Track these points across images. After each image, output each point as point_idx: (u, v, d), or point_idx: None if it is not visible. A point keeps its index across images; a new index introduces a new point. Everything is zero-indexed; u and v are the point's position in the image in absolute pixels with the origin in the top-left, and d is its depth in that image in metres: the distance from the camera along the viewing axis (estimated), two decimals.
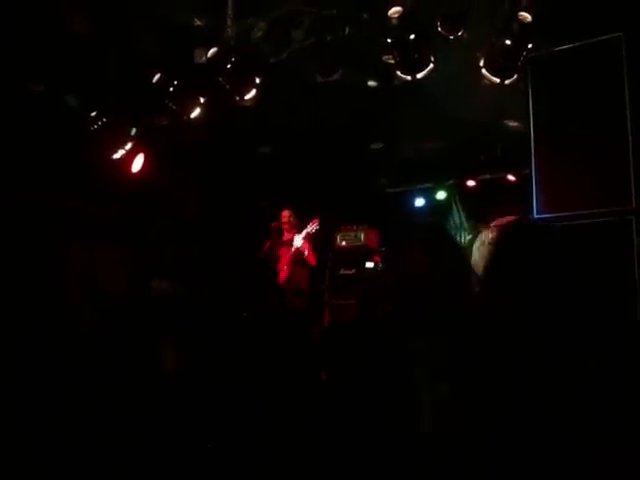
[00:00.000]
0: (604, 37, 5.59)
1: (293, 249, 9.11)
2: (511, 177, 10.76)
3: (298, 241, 9.11)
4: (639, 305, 4.88)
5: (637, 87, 5.38)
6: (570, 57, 5.81)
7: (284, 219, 9.35)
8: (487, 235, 11.80)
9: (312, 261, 9.13)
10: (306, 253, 9.04)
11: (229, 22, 6.32)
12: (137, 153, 8.50)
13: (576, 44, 5.77)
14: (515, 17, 5.28)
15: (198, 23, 6.69)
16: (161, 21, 6.71)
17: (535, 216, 5.83)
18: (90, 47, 6.95)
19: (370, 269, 9.93)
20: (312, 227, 9.24)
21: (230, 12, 6.26)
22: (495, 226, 11.68)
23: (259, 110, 6.99)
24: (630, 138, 5.32)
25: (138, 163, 8.58)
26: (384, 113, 8.64)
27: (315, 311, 9.23)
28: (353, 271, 10.09)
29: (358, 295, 9.27)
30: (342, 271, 10.21)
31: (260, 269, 9.06)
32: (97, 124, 7.91)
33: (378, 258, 9.94)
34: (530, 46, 5.49)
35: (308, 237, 9.16)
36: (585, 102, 5.65)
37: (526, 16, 5.26)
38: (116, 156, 8.15)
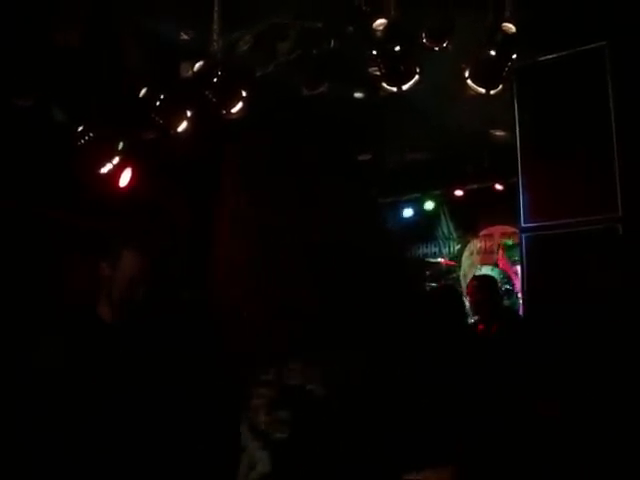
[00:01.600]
0: (588, 46, 5.64)
1: None
2: (499, 186, 10.80)
3: None
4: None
5: (621, 95, 5.42)
6: (555, 66, 5.86)
7: None
8: (476, 245, 11.90)
9: None
10: None
11: (215, 36, 6.32)
12: (125, 167, 8.47)
13: (560, 54, 5.82)
14: (499, 28, 5.31)
15: (184, 37, 6.71)
16: (147, 35, 6.72)
17: (522, 225, 5.86)
18: (76, 61, 6.94)
19: None
20: None
21: (216, 26, 6.26)
22: (484, 235, 11.78)
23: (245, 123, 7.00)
24: (615, 146, 5.36)
25: (126, 177, 8.55)
26: (371, 124, 8.67)
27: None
28: None
29: None
30: None
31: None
32: (84, 139, 7.87)
33: None
34: (514, 56, 5.51)
35: None
36: (570, 111, 5.69)
37: (510, 27, 5.29)
38: (104, 170, 8.12)
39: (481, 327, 5.43)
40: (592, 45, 5.61)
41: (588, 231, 5.40)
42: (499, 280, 9.50)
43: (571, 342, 4.60)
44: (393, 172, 11.23)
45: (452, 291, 4.73)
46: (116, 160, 8.11)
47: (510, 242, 10.12)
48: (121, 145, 8.15)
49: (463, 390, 3.07)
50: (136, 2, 6.11)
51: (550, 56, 5.88)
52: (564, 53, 5.80)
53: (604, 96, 5.48)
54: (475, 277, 6.78)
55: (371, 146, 10.00)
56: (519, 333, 5.30)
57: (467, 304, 5.69)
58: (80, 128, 7.76)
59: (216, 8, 6.15)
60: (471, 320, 5.76)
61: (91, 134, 7.77)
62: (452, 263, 11.71)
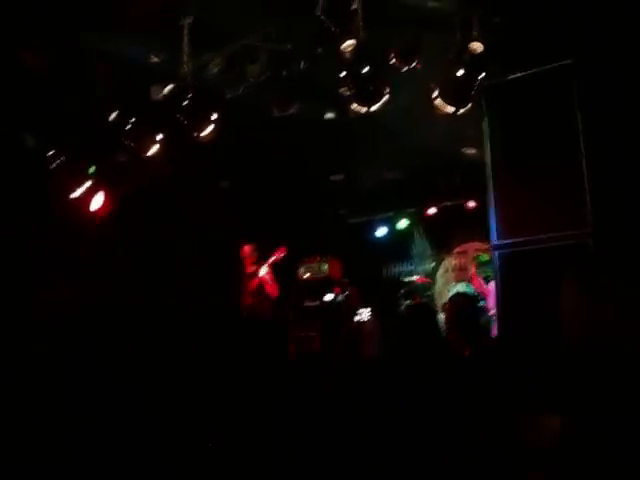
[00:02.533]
0: (555, 64, 5.70)
1: (257, 279, 9.10)
2: (471, 204, 10.85)
3: (263, 270, 9.11)
4: None
5: (589, 112, 5.47)
6: (523, 85, 5.91)
7: (246, 254, 9.35)
8: (450, 262, 11.91)
9: (274, 292, 9.12)
10: (268, 283, 9.05)
11: (185, 58, 6.33)
12: (96, 191, 8.43)
13: (528, 72, 5.87)
14: (467, 47, 5.36)
15: (154, 60, 6.69)
16: (117, 58, 6.70)
17: (494, 242, 5.88)
18: (46, 85, 6.91)
19: (329, 301, 9.94)
20: (278, 255, 9.25)
21: (186, 48, 6.27)
22: (458, 253, 11.81)
23: (218, 145, 6.99)
24: (584, 161, 5.40)
25: (97, 201, 8.51)
26: (343, 144, 8.69)
27: (279, 343, 9.19)
28: (317, 303, 10.08)
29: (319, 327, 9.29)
30: (306, 303, 10.20)
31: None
32: (55, 163, 7.82)
33: (338, 290, 9.95)
34: (482, 75, 5.56)
35: (272, 266, 9.18)
36: (539, 128, 5.74)
37: (478, 46, 5.34)
38: (75, 195, 8.06)
39: (455, 345, 5.42)
40: (559, 63, 5.67)
41: (560, 247, 5.42)
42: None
43: (546, 358, 4.60)
44: (366, 191, 11.25)
45: (425, 309, 4.72)
46: (88, 184, 8.07)
47: (485, 257, 10.13)
48: (93, 169, 8.10)
49: (432, 410, 3.07)
50: (105, 26, 6.09)
51: (518, 74, 5.93)
52: (532, 71, 5.85)
53: (572, 113, 5.53)
54: (454, 295, 6.78)
55: (343, 166, 10.02)
56: (493, 353, 5.31)
57: (442, 322, 5.67)
58: (51, 152, 7.72)
59: (186, 31, 6.16)
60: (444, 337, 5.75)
61: (62, 158, 7.73)
62: (427, 281, 11.71)
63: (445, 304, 6.22)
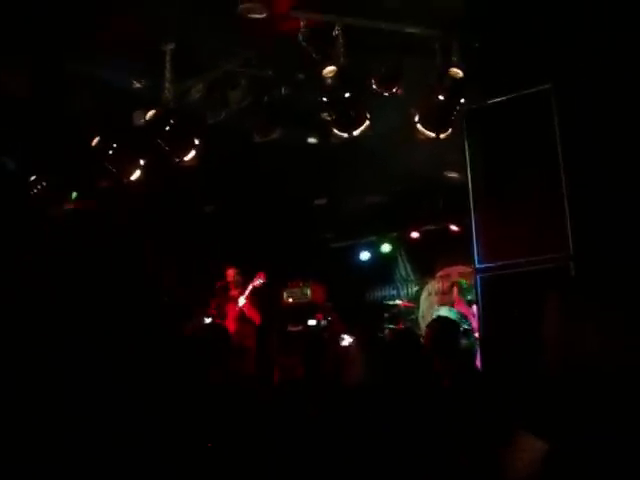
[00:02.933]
0: (534, 89, 5.75)
1: (237, 307, 9.10)
2: (454, 227, 10.89)
3: (242, 299, 9.11)
4: None
5: (568, 135, 5.52)
6: (503, 109, 5.95)
7: (229, 278, 9.35)
8: (433, 286, 11.94)
9: (256, 319, 9.12)
10: (249, 310, 9.05)
11: (167, 84, 6.34)
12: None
13: (508, 96, 5.92)
14: (446, 73, 5.40)
15: (137, 85, 6.71)
16: (99, 84, 6.70)
17: (477, 266, 5.89)
18: (28, 108, 6.90)
19: (313, 326, 9.92)
20: (257, 281, 9.24)
21: (168, 74, 6.29)
22: (441, 276, 11.84)
23: (201, 170, 7.00)
24: (564, 184, 5.44)
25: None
26: (325, 169, 8.72)
27: (264, 370, 9.15)
28: (301, 327, 10.06)
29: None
30: (290, 328, 10.18)
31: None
32: (36, 188, 7.80)
33: (321, 315, 9.95)
34: (463, 100, 5.60)
35: (253, 292, 9.16)
36: (520, 152, 5.77)
37: (457, 72, 5.39)
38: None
39: (436, 370, 5.42)
40: (538, 88, 5.72)
41: (541, 270, 5.44)
42: (457, 320, 9.50)
43: (527, 381, 4.60)
44: (349, 216, 11.28)
45: (408, 334, 4.72)
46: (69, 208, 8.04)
47: (465, 283, 10.16)
48: (74, 195, 8.08)
49: (415, 434, 3.07)
50: (88, 51, 6.10)
51: (498, 99, 5.97)
52: (511, 96, 5.90)
53: (552, 136, 5.57)
54: (432, 321, 6.76)
55: (326, 191, 10.05)
56: (475, 377, 5.30)
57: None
58: (32, 178, 7.69)
59: (167, 57, 6.18)
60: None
61: (44, 183, 7.71)
62: (411, 305, 11.72)
63: None
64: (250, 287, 9.19)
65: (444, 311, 9.86)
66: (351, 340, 9.24)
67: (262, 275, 9.29)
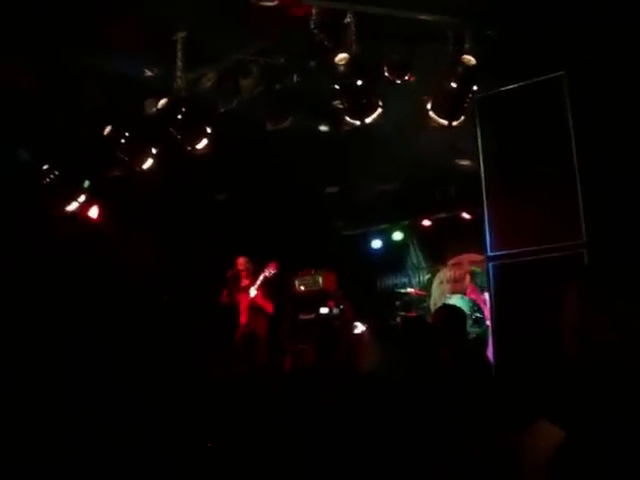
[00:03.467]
0: (547, 76, 5.72)
1: (249, 297, 9.11)
2: (466, 215, 10.86)
3: (253, 290, 9.12)
4: None
5: (581, 123, 5.49)
6: (515, 96, 5.93)
7: (240, 266, 9.35)
8: (445, 274, 11.92)
9: (268, 308, 9.13)
10: (261, 300, 9.07)
11: (179, 73, 6.34)
12: (91, 205, 8.44)
13: (520, 84, 5.89)
14: (459, 60, 5.37)
15: (148, 74, 6.71)
16: (111, 73, 6.71)
17: (489, 254, 5.88)
18: (40, 100, 6.92)
19: (325, 314, 9.93)
20: (269, 271, 9.24)
21: (179, 63, 6.29)
22: (453, 264, 11.83)
23: (213, 158, 7.01)
24: (577, 172, 5.41)
25: (92, 215, 8.52)
26: (338, 157, 8.71)
27: (276, 359, 9.17)
28: (313, 315, 10.07)
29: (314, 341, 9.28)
30: (302, 316, 10.19)
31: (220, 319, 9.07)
32: (49, 177, 7.83)
33: (332, 303, 9.95)
34: (475, 88, 5.58)
35: (264, 282, 9.17)
36: (532, 139, 5.75)
37: (470, 59, 5.36)
38: (70, 208, 8.07)
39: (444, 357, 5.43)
40: (550, 75, 5.70)
41: (554, 258, 5.43)
42: (469, 308, 9.51)
43: (541, 370, 4.59)
44: (361, 204, 11.26)
45: (420, 322, 4.72)
46: (82, 198, 8.07)
47: (478, 270, 10.14)
48: (87, 183, 8.11)
49: (425, 422, 3.07)
50: (99, 41, 6.10)
51: (510, 86, 5.95)
52: (524, 83, 5.87)
53: (564, 124, 5.55)
54: (438, 308, 6.76)
55: (338, 179, 10.05)
56: (484, 368, 5.30)
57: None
58: (45, 167, 7.72)
59: (179, 45, 6.18)
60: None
61: (56, 172, 7.74)
62: (422, 293, 11.71)
63: None
64: (261, 277, 9.20)
65: (456, 299, 9.86)
66: (364, 328, 9.25)
67: (274, 265, 9.29)
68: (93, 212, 8.56)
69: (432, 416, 3.11)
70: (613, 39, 5.36)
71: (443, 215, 11.53)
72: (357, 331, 9.19)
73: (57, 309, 7.69)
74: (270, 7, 5.51)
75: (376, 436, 3.08)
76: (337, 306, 9.92)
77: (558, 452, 2.11)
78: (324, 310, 9.95)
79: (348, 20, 5.44)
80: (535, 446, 2.30)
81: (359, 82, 5.44)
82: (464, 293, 10.22)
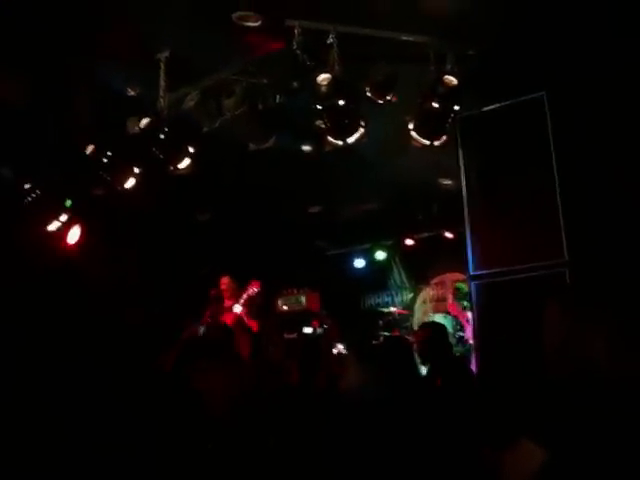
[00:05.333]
0: (528, 96, 5.78)
1: (235, 315, 9.06)
2: (449, 234, 10.90)
3: (237, 307, 9.08)
4: None
5: (562, 142, 5.54)
6: (497, 116, 5.98)
7: (223, 286, 9.31)
8: (428, 293, 11.95)
9: (253, 327, 9.09)
10: (245, 318, 9.02)
11: (161, 92, 6.34)
12: (73, 225, 8.39)
13: (502, 104, 5.95)
14: (441, 81, 5.41)
15: (131, 93, 6.70)
16: (94, 92, 6.70)
17: (471, 273, 5.90)
18: (23, 119, 6.89)
19: (309, 334, 9.91)
20: (252, 289, 9.21)
21: (162, 82, 6.29)
22: (436, 283, 11.85)
23: (196, 177, 6.99)
24: (558, 191, 5.45)
25: (74, 235, 8.47)
26: (320, 177, 8.72)
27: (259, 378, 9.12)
28: (295, 335, 10.04)
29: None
30: (285, 335, 10.16)
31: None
32: (31, 196, 7.78)
33: (317, 322, 9.94)
34: (457, 108, 5.61)
35: (248, 301, 9.13)
36: (514, 159, 5.80)
37: (452, 79, 5.40)
38: (51, 228, 8.01)
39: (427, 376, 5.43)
40: (531, 95, 5.75)
41: (536, 276, 5.45)
42: (452, 327, 9.53)
43: (524, 388, 4.60)
44: (344, 224, 11.27)
45: (400, 343, 4.72)
46: (64, 217, 8.03)
47: (463, 286, 10.16)
48: (69, 202, 8.07)
49: (408, 442, 3.06)
50: (82, 59, 6.10)
51: (492, 106, 6.00)
52: (505, 103, 5.93)
53: (545, 144, 5.60)
54: (420, 326, 6.78)
55: (321, 199, 10.05)
56: (466, 384, 5.30)
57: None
58: (27, 185, 7.68)
59: (162, 65, 6.18)
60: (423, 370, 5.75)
61: (38, 191, 7.69)
62: (405, 312, 11.73)
63: None
64: (245, 296, 9.16)
65: (439, 318, 9.88)
66: (342, 348, 9.24)
67: (257, 284, 9.26)
68: (75, 232, 8.51)
69: (415, 435, 3.10)
70: (593, 60, 5.42)
71: (426, 234, 11.57)
72: (336, 351, 9.16)
73: (37, 327, 7.62)
74: (253, 27, 5.54)
75: (358, 455, 3.07)
76: (321, 325, 9.90)
77: (540, 473, 2.11)
78: (308, 330, 9.93)
79: (330, 40, 5.47)
80: (517, 466, 2.29)
81: (341, 102, 5.46)
82: (447, 312, 10.25)
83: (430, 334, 5.90)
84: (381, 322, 11.03)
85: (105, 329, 8.33)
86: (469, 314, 8.17)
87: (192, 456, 3.23)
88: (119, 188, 7.09)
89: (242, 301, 9.10)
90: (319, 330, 9.86)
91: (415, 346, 5.44)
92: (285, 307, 10.63)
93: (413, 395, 3.43)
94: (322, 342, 9.55)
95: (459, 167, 6.10)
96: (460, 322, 9.60)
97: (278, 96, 6.24)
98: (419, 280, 12.20)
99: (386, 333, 10.31)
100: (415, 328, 11.12)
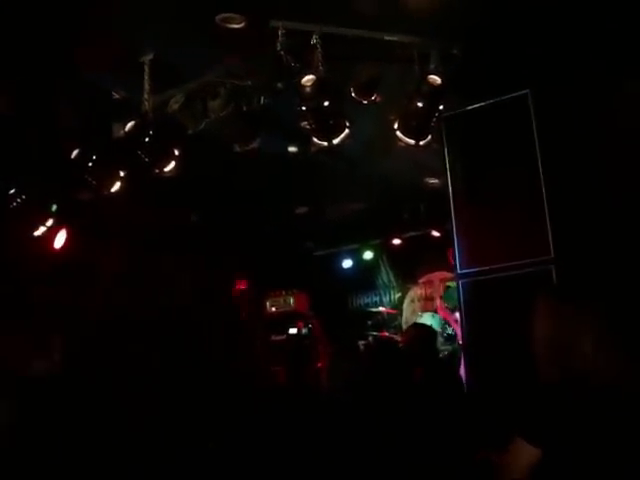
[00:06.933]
0: (512, 95, 5.80)
1: None
2: (436, 233, 10.92)
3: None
4: None
5: (546, 140, 5.57)
6: (481, 115, 6.00)
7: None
8: (416, 292, 11.97)
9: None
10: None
11: (146, 95, 6.32)
12: (59, 229, 8.36)
13: (486, 102, 5.97)
14: (425, 80, 5.42)
15: (116, 96, 6.68)
16: (79, 95, 6.67)
17: (458, 272, 5.91)
18: (7, 124, 6.86)
19: (294, 335, 9.93)
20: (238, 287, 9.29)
21: (147, 85, 6.26)
22: (424, 282, 11.87)
23: (181, 180, 6.98)
24: (544, 188, 5.48)
25: (60, 239, 8.43)
26: (307, 177, 8.73)
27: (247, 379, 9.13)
28: (284, 337, 10.05)
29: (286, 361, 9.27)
30: (273, 337, 10.17)
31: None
32: (16, 201, 7.73)
33: (302, 324, 9.95)
34: (442, 107, 5.62)
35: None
36: (499, 158, 5.82)
37: (436, 79, 5.40)
38: (37, 233, 7.97)
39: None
40: (516, 93, 5.78)
41: (522, 274, 5.47)
42: (441, 326, 9.55)
43: (513, 387, 4.61)
44: (331, 224, 11.28)
45: (389, 344, 4.73)
46: (50, 222, 7.98)
47: (453, 285, 10.18)
48: (54, 207, 8.02)
49: (395, 444, 3.06)
50: (66, 64, 6.08)
51: (476, 105, 6.02)
52: (489, 102, 5.95)
53: (530, 141, 5.62)
54: (409, 327, 6.79)
55: (308, 199, 10.05)
56: (453, 384, 5.32)
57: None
58: (12, 191, 7.63)
59: (146, 68, 6.16)
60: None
61: (23, 196, 7.65)
62: (393, 311, 11.74)
63: None
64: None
65: (427, 317, 9.91)
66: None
67: (243, 282, 9.31)
68: (61, 236, 8.47)
69: (403, 436, 3.11)
70: (577, 57, 5.45)
71: (413, 234, 11.59)
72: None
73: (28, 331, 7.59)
74: (237, 29, 5.53)
75: (344, 457, 3.07)
76: (306, 326, 9.92)
77: (534, 471, 2.12)
78: (293, 330, 9.95)
79: (314, 41, 5.47)
80: (511, 465, 2.30)
81: (326, 103, 5.46)
82: (435, 311, 10.27)
83: (417, 335, 5.91)
84: (370, 322, 11.04)
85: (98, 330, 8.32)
86: (457, 315, 8.19)
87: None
88: (105, 192, 7.06)
89: None
90: (304, 330, 9.88)
91: (402, 346, 5.45)
92: (273, 309, 10.63)
93: (401, 396, 3.43)
94: (308, 342, 9.58)
95: (444, 166, 6.12)
96: (448, 321, 9.63)
97: (263, 97, 6.24)
98: (407, 279, 12.22)
99: (375, 333, 10.33)
100: (404, 327, 11.17)
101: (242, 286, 9.29)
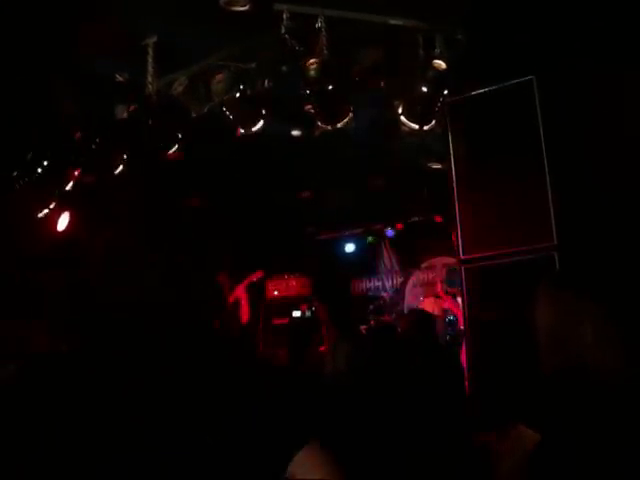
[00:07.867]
0: (517, 80, 5.77)
1: (231, 297, 9.09)
2: (439, 219, 10.91)
3: (240, 290, 9.12)
4: None
5: (550, 126, 5.54)
6: (486, 100, 5.96)
7: (221, 283, 9.34)
8: (418, 277, 11.97)
9: (245, 315, 9.11)
10: (243, 301, 9.05)
11: (149, 78, 6.30)
12: (62, 212, 8.35)
13: (491, 88, 5.94)
14: (430, 65, 5.40)
15: (119, 79, 6.66)
16: (82, 78, 6.66)
17: (461, 257, 5.90)
18: (9, 105, 6.84)
19: (297, 317, 9.96)
20: (255, 277, 9.28)
21: (150, 68, 6.25)
22: (426, 267, 11.88)
23: (185, 163, 6.98)
24: (547, 175, 5.46)
25: (63, 222, 8.42)
26: (310, 161, 8.71)
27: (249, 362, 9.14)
28: (286, 320, 10.08)
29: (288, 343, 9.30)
30: (275, 321, 10.20)
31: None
32: (19, 184, 7.73)
33: (305, 306, 9.97)
34: (446, 92, 5.61)
35: (247, 288, 9.18)
36: (503, 143, 5.79)
37: (440, 63, 5.39)
38: (40, 215, 7.96)
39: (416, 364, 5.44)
40: (520, 79, 5.75)
41: (525, 260, 5.46)
42: (441, 311, 9.57)
43: (520, 375, 4.62)
44: (334, 209, 11.27)
45: (389, 330, 4.72)
46: (53, 204, 7.98)
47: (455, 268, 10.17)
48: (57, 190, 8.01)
49: (396, 427, 3.07)
50: (70, 46, 6.05)
51: (481, 90, 5.99)
52: (494, 87, 5.91)
53: (534, 127, 5.59)
54: (408, 312, 6.80)
55: (311, 184, 10.03)
56: (451, 370, 5.31)
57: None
58: (15, 173, 7.62)
59: (150, 50, 6.14)
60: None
61: (26, 179, 7.64)
62: (396, 296, 11.76)
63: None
64: (247, 282, 9.21)
65: (429, 302, 9.91)
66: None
67: (260, 272, 9.35)
68: (64, 218, 8.46)
69: (403, 421, 3.11)
70: (582, 43, 5.41)
71: (416, 219, 11.59)
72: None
73: (28, 316, 7.59)
74: (241, 12, 5.51)
75: (344, 443, 3.07)
76: (309, 309, 9.94)
77: (534, 456, 2.12)
78: (296, 313, 9.97)
79: (319, 25, 5.45)
80: (511, 450, 2.31)
81: (330, 87, 5.45)
82: (437, 296, 10.28)
83: (416, 319, 5.90)
84: (371, 307, 11.07)
85: (100, 312, 8.31)
86: (459, 299, 8.19)
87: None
88: (108, 175, 7.06)
89: (244, 284, 9.16)
90: (307, 313, 9.90)
91: (401, 331, 5.45)
92: (276, 292, 10.66)
93: (400, 380, 3.44)
94: (312, 324, 9.60)
95: (448, 151, 6.10)
96: (450, 307, 9.63)
97: (267, 81, 6.22)
98: (409, 264, 12.23)
99: (377, 317, 10.36)
100: (405, 312, 11.18)
101: (257, 275, 9.33)
